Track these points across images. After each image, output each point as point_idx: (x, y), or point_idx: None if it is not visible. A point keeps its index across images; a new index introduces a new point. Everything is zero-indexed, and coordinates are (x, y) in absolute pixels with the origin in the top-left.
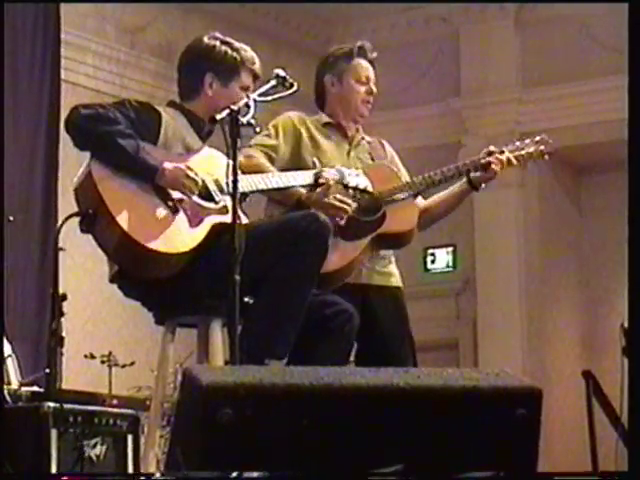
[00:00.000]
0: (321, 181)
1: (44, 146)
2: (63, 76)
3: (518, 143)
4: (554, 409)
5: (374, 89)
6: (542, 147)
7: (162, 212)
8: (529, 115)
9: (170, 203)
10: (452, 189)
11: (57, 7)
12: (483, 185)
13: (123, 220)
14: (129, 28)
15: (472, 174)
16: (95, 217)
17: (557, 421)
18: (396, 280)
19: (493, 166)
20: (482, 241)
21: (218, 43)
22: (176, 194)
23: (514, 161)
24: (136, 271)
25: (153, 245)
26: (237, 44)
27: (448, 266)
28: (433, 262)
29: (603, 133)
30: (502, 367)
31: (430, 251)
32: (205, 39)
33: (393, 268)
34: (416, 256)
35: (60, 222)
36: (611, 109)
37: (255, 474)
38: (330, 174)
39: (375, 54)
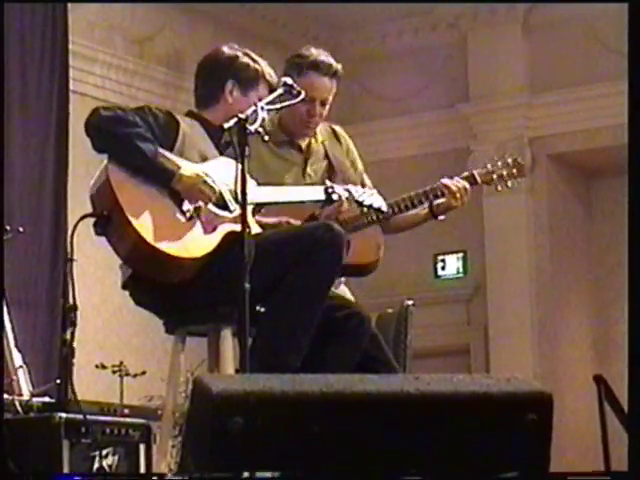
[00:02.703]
0: (335, 197)
1: (53, 157)
2: (71, 86)
3: (489, 166)
4: (566, 414)
5: (318, 110)
6: (514, 170)
7: (177, 217)
8: (538, 120)
9: (185, 209)
10: (414, 212)
11: (65, 17)
12: (442, 217)
13: (138, 223)
14: (137, 38)
15: (435, 201)
16: (110, 219)
17: (569, 426)
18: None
19: (451, 199)
20: (492, 247)
21: (240, 53)
22: (192, 200)
23: (469, 187)
24: (149, 275)
25: (167, 249)
26: (255, 56)
27: (458, 272)
28: (443, 268)
29: (612, 137)
30: (513, 372)
31: (440, 257)
32: (226, 49)
33: (343, 287)
34: (426, 262)
35: (74, 223)
36: (620, 113)
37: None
38: (340, 190)
39: (337, 66)
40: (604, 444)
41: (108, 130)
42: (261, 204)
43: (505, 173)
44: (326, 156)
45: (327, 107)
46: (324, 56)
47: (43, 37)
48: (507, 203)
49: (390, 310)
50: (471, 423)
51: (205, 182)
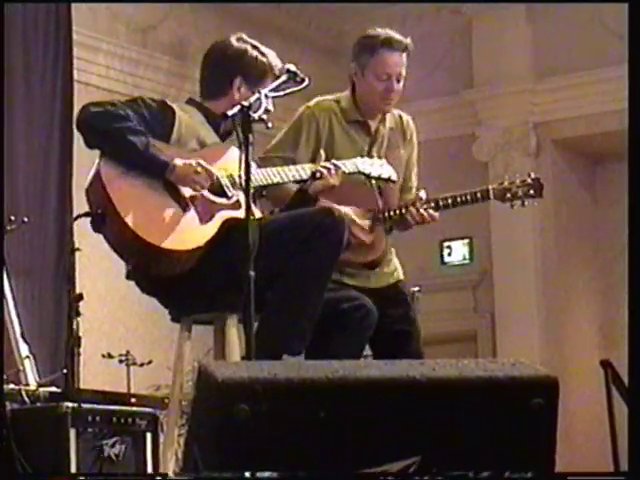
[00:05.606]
0: (317, 174)
1: (58, 147)
2: (75, 76)
3: (506, 182)
4: (573, 399)
5: (395, 86)
6: (532, 190)
7: (171, 210)
8: (543, 105)
9: (180, 200)
10: None
11: (68, 7)
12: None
13: (131, 219)
14: (140, 27)
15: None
16: (104, 217)
17: (577, 411)
18: (398, 274)
19: (409, 219)
20: (498, 233)
21: (249, 47)
22: (186, 190)
23: (428, 218)
24: (147, 269)
25: (162, 243)
26: (263, 48)
27: (465, 258)
28: (450, 255)
29: (617, 121)
30: (520, 358)
31: (446, 244)
32: (235, 42)
33: (396, 262)
34: (432, 249)
35: (70, 222)
36: (625, 97)
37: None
38: (328, 165)
39: (407, 41)
40: (611, 428)
41: (98, 126)
42: (265, 186)
43: (521, 192)
44: (388, 143)
45: (402, 82)
46: (393, 33)
47: (47, 27)
48: None
49: None
50: (477, 408)
51: (197, 171)
